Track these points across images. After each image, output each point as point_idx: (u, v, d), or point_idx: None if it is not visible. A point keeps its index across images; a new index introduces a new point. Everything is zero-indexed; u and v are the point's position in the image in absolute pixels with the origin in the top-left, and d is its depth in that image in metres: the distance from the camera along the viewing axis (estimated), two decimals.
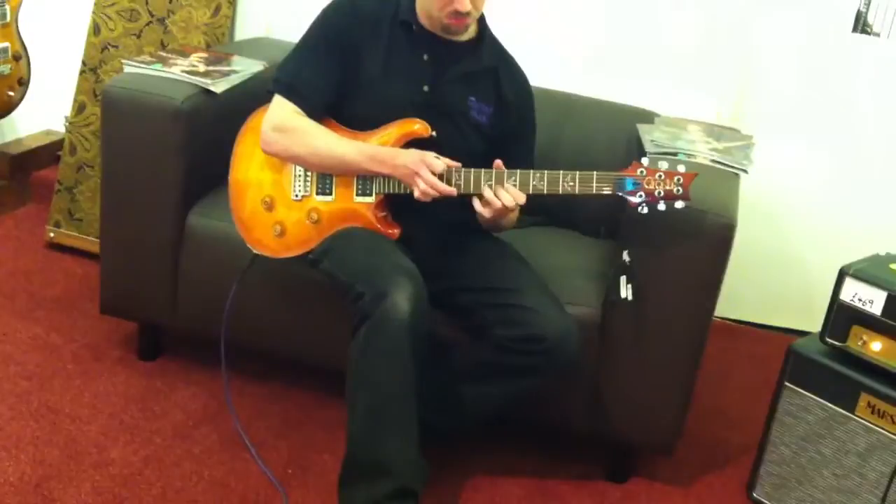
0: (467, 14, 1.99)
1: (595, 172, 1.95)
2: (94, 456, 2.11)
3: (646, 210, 1.95)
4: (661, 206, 1.95)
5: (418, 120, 2.05)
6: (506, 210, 1.97)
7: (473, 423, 2.15)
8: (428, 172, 1.95)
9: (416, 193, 1.98)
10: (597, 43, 2.91)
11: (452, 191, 1.96)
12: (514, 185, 1.96)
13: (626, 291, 2.03)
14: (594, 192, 1.95)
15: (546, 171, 1.96)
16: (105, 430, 2.20)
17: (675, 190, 1.94)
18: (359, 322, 1.89)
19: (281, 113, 2.08)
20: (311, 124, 2.07)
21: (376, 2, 2.12)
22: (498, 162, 1.97)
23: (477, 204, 1.99)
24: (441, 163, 1.97)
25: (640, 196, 1.95)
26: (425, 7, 2.05)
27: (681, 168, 1.95)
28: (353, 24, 2.08)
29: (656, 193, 1.94)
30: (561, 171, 1.95)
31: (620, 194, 1.96)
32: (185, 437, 2.22)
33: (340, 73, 2.08)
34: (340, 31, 2.08)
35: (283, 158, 2.11)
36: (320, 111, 2.09)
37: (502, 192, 1.95)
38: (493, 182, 1.96)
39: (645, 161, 1.96)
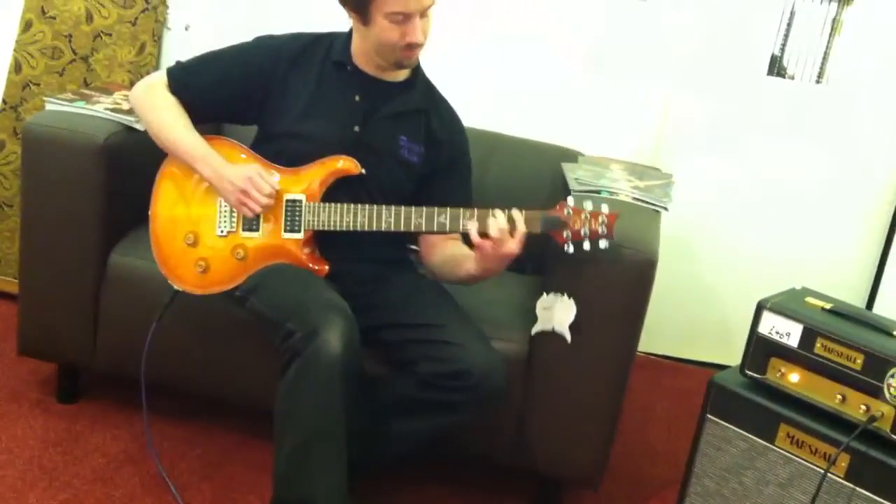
0: (420, 45, 2.02)
1: (523, 211, 1.97)
2: (10, 502, 2.04)
3: (571, 249, 1.98)
4: (586, 245, 1.98)
5: (342, 157, 2.05)
6: (499, 242, 1.93)
7: (397, 458, 2.13)
8: (256, 193, 2.00)
9: (242, 210, 2.03)
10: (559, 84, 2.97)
11: (270, 202, 2.02)
12: (445, 222, 1.97)
13: (562, 328, 2.05)
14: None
15: (476, 209, 1.97)
16: (22, 475, 2.13)
17: (599, 230, 1.97)
18: (289, 360, 1.87)
19: (160, 80, 2.14)
20: (177, 106, 2.12)
21: (307, 42, 2.14)
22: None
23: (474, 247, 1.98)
24: (269, 186, 2.01)
25: (566, 235, 1.98)
26: (371, 47, 2.05)
27: (604, 208, 1.99)
28: (276, 65, 2.10)
29: (582, 233, 1.98)
30: (490, 209, 1.97)
31: (547, 233, 1.99)
32: (106, 480, 2.16)
33: (229, 96, 2.12)
34: (253, 65, 2.11)
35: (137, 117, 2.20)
36: (193, 107, 2.12)
37: (491, 221, 1.93)
38: (424, 218, 1.97)
39: (570, 201, 1.99)
